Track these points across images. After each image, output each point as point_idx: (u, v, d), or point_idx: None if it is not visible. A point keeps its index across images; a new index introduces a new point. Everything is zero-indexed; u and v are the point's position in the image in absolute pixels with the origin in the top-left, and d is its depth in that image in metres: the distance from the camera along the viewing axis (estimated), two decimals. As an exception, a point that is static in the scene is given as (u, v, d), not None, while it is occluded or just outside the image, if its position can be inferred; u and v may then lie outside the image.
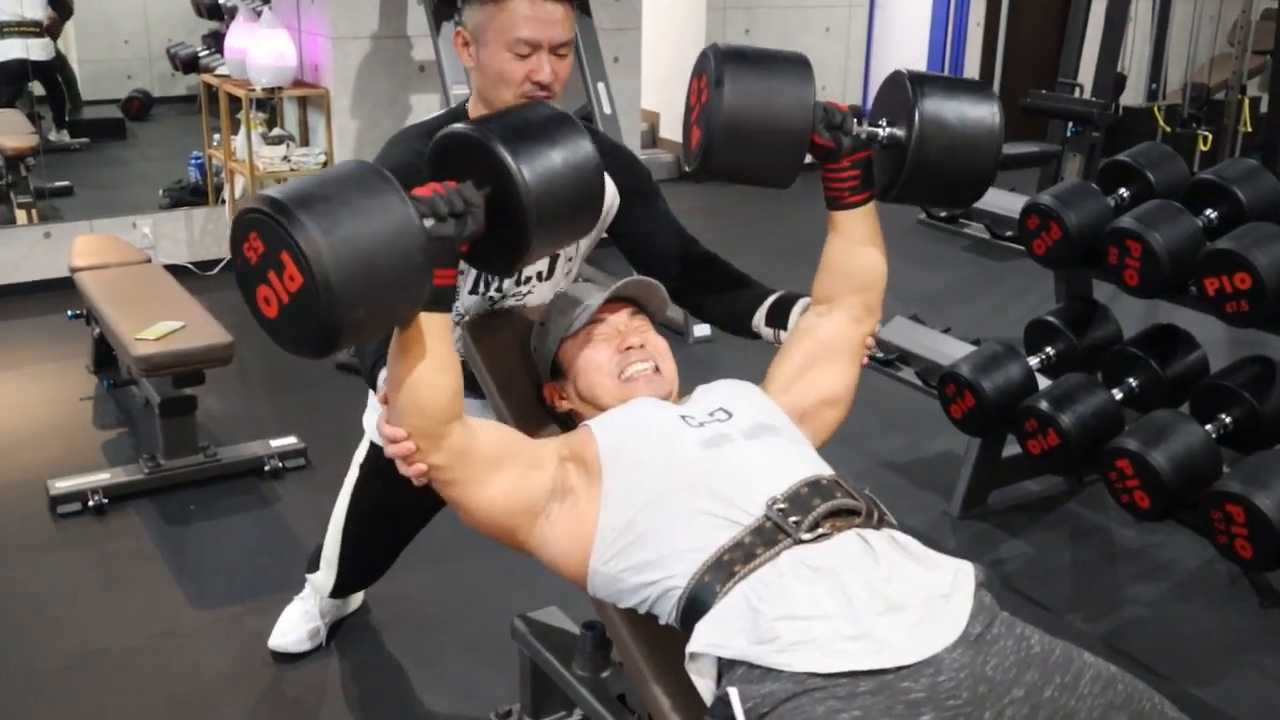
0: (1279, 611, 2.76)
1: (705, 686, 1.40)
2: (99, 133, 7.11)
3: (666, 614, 1.47)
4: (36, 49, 6.37)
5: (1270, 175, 2.78)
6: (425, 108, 5.13)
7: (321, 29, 5.07)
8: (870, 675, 1.29)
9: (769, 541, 1.40)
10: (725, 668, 1.37)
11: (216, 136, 5.49)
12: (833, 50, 7.91)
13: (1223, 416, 2.67)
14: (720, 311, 1.97)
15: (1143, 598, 2.86)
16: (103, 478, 3.22)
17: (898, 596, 1.36)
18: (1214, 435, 2.61)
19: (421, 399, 1.45)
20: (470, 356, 1.90)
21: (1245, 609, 2.78)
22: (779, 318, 1.85)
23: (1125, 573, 2.99)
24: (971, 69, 8.54)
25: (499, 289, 1.93)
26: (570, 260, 1.99)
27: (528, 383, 1.83)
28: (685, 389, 1.75)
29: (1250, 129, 6.05)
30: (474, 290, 1.93)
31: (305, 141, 5.39)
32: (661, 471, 1.51)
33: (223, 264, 5.37)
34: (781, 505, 1.43)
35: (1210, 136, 5.92)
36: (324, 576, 2.39)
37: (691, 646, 1.39)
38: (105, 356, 3.91)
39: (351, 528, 2.29)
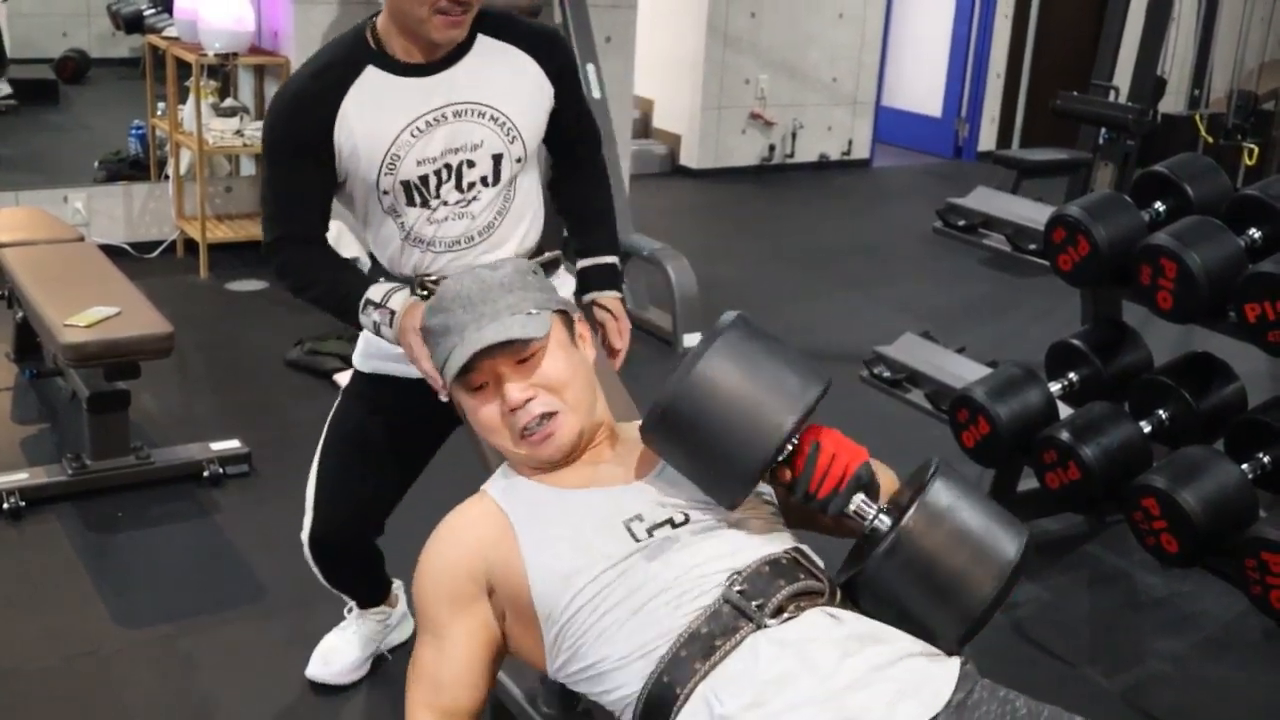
0: (1314, 672, 2.80)
1: None
2: (28, 95, 7.08)
3: (623, 710, 1.48)
4: (-39, 0, 6.34)
5: (1321, 194, 2.81)
6: (395, 83, 5.12)
7: (283, -9, 5.07)
8: None
9: (728, 629, 1.41)
10: None
11: (161, 105, 5.48)
12: (845, 39, 7.94)
13: (1260, 455, 2.70)
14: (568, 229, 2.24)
15: (1167, 652, 2.88)
16: (20, 478, 3.20)
17: (870, 671, 1.37)
18: (1250, 475, 2.64)
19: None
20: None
21: None
22: (583, 287, 2.15)
23: (1149, 623, 3.01)
24: (997, 65, 8.61)
25: (437, 194, 1.94)
26: (520, 161, 1.99)
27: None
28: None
29: (1300, 143, 6.14)
30: (411, 202, 1.94)
31: (261, 115, 5.38)
32: (603, 596, 1.48)
33: (164, 246, 5.36)
34: (741, 587, 1.44)
35: (1256, 150, 5.98)
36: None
37: None
38: (28, 343, 3.89)
39: (327, 455, 2.25)
